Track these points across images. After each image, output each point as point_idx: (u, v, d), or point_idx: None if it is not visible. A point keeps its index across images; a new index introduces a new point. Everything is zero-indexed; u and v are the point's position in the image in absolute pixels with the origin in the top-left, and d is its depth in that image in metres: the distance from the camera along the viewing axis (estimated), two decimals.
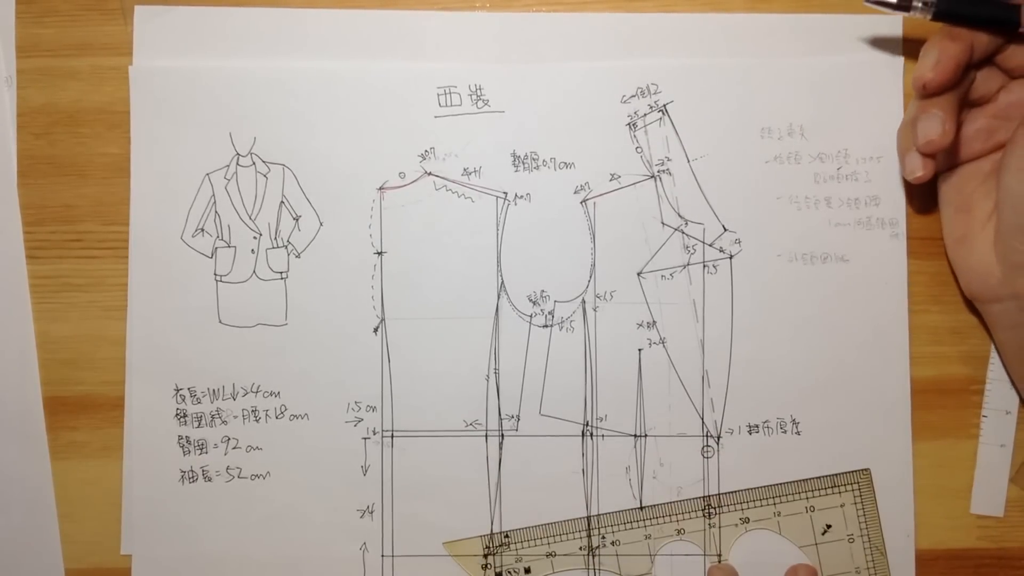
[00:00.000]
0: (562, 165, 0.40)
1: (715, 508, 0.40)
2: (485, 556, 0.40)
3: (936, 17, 0.35)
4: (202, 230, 0.41)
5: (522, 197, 0.40)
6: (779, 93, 0.40)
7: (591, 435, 0.40)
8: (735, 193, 0.40)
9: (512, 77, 0.40)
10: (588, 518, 0.40)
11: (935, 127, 0.35)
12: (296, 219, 0.41)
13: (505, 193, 0.40)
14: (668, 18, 0.40)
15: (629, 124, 0.40)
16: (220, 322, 0.40)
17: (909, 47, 0.40)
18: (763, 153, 0.40)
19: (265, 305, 0.40)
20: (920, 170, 0.36)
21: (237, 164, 0.41)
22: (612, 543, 0.40)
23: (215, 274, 0.41)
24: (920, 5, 0.35)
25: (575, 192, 0.40)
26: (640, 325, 0.40)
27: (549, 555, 0.40)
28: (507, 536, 0.40)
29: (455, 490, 0.40)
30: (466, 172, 0.40)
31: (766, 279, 0.40)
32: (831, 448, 0.40)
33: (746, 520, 0.40)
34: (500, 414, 0.40)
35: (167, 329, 0.40)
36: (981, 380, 0.40)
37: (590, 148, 0.40)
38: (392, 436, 0.40)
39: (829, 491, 0.40)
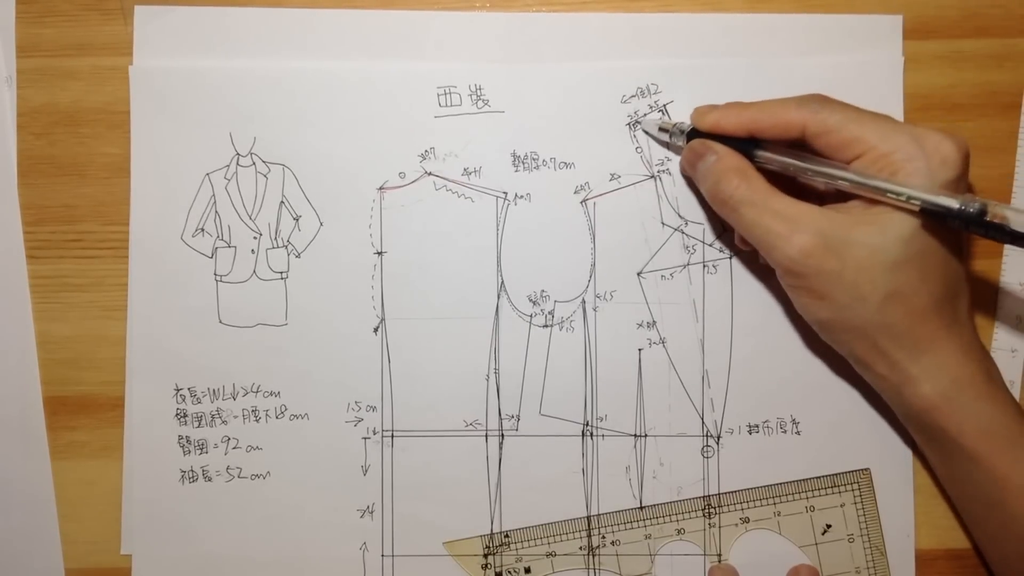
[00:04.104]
0: (562, 165, 0.40)
1: (715, 508, 0.40)
2: (485, 556, 0.40)
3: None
4: (202, 230, 0.41)
5: (522, 197, 0.40)
6: (779, 93, 0.40)
7: (591, 435, 0.40)
8: None
9: (512, 77, 0.40)
10: (588, 518, 0.40)
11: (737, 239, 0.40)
12: (296, 219, 0.41)
13: (505, 193, 0.40)
14: (668, 18, 0.40)
15: (629, 124, 0.40)
16: (220, 322, 0.40)
17: (909, 47, 0.40)
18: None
19: (265, 305, 0.40)
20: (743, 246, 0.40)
21: (237, 164, 0.40)
22: (612, 543, 0.40)
23: (215, 274, 0.41)
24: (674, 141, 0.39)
25: (575, 192, 0.40)
26: (640, 325, 0.40)
27: (549, 555, 0.40)
28: (507, 536, 0.40)
29: (455, 490, 0.40)
30: (466, 172, 0.40)
31: (766, 279, 0.40)
32: (831, 448, 0.40)
33: (746, 520, 0.40)
34: (500, 414, 0.40)
35: (167, 329, 0.40)
36: None
37: (590, 148, 0.40)
38: (392, 436, 0.40)
39: (829, 491, 0.40)
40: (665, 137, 0.40)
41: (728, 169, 0.36)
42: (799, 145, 0.36)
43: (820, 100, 0.35)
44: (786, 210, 0.35)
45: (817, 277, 0.34)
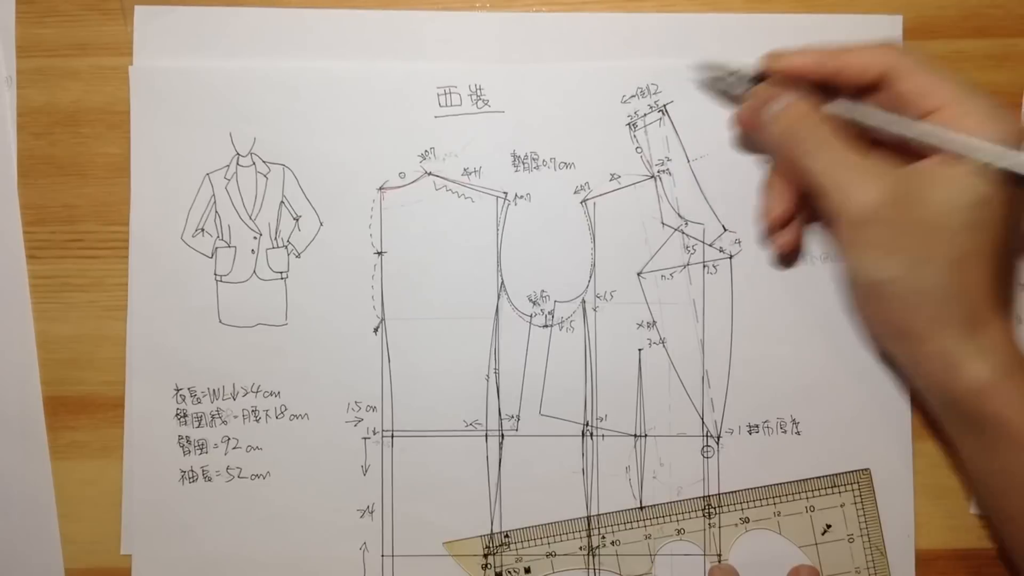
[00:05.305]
0: (562, 165, 0.40)
1: (715, 508, 0.40)
2: (485, 556, 0.40)
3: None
4: (202, 230, 0.41)
5: (522, 197, 0.40)
6: None
7: (591, 435, 0.40)
8: (735, 193, 0.40)
9: (512, 77, 0.40)
10: (588, 518, 0.40)
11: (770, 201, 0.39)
12: (296, 219, 0.41)
13: (505, 193, 0.40)
14: (668, 18, 0.40)
15: (629, 124, 0.40)
16: (220, 322, 0.40)
17: (909, 47, 0.40)
18: None
19: (265, 305, 0.40)
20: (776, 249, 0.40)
21: (237, 164, 0.41)
22: (612, 543, 0.40)
23: (215, 274, 0.41)
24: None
25: (575, 192, 0.40)
26: (640, 325, 0.40)
27: (549, 555, 0.40)
28: (507, 536, 0.40)
29: (455, 490, 0.40)
30: (466, 172, 0.40)
31: (766, 279, 0.40)
32: (831, 448, 0.40)
33: (746, 520, 0.40)
34: (500, 414, 0.40)
35: (167, 329, 0.40)
36: None
37: (590, 148, 0.40)
38: (392, 436, 0.40)
39: (829, 491, 0.40)
40: (721, 85, 0.39)
41: (803, 113, 0.35)
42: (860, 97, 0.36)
43: (901, 47, 0.35)
44: (861, 160, 0.34)
45: (888, 229, 0.33)
